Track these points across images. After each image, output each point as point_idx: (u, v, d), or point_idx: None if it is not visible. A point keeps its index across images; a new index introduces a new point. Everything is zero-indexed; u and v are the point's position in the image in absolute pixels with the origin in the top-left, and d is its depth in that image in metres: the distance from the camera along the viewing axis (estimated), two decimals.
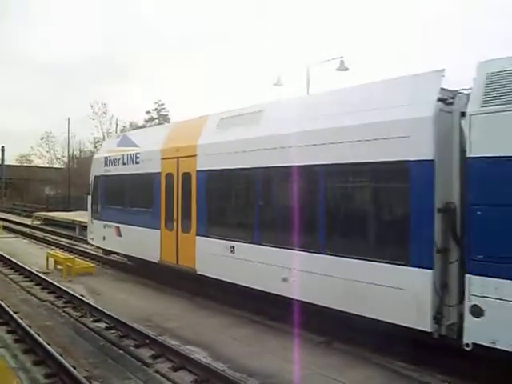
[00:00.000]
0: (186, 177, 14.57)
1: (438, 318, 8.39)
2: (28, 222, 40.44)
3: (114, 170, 18.76)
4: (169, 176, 15.40)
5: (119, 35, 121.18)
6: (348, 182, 10.77)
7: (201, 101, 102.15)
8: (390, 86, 9.99)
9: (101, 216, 19.71)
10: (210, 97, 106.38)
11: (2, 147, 75.29)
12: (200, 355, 9.63)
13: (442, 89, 8.84)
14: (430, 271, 8.44)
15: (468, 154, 7.96)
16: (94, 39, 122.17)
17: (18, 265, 19.52)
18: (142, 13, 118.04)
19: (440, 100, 8.69)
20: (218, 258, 13.04)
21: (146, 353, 9.91)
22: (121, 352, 10.06)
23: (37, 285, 16.58)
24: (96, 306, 13.12)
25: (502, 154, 7.54)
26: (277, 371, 8.91)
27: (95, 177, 20.29)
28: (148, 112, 74.48)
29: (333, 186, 10.65)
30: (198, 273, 13.91)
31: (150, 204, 16.32)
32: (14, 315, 12.02)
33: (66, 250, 23.47)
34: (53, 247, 24.77)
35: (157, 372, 9.01)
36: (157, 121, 71.55)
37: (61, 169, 71.89)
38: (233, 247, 12.65)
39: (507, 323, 7.44)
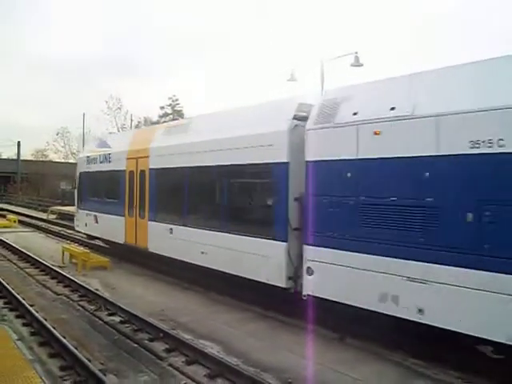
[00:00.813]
0: (142, 174, 17.86)
1: (291, 277, 11.34)
2: (43, 216, 40.77)
3: (93, 168, 22.21)
4: (131, 173, 18.69)
5: (133, 32, 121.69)
6: (237, 179, 13.55)
7: (215, 96, 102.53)
8: (268, 106, 13.31)
9: (83, 206, 23.13)
10: (225, 92, 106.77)
11: (18, 142, 75.88)
12: (213, 349, 9.68)
13: (301, 109, 11.71)
14: (285, 243, 11.43)
15: (306, 158, 10.82)
16: (108, 36, 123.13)
17: (33, 258, 19.74)
18: (155, 9, 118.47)
19: (295, 118, 11.61)
20: (162, 238, 16.29)
21: (159, 346, 9.98)
22: (135, 345, 10.14)
23: (52, 278, 16.75)
24: (111, 299, 13.25)
25: (323, 158, 10.50)
26: (290, 366, 8.93)
27: (80, 173, 23.79)
28: (162, 107, 74.65)
29: (228, 182, 13.75)
30: (150, 250, 17.14)
31: (118, 196, 19.57)
32: (30, 308, 12.14)
33: (80, 245, 23.65)
34: (68, 241, 24.94)
35: (170, 365, 9.07)
36: (171, 116, 71.70)
37: (76, 164, 72.14)
38: (171, 229, 15.80)
39: (328, 279, 10.34)
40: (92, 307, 13.02)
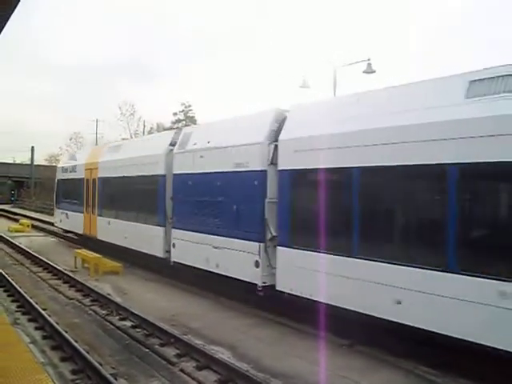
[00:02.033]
0: (94, 181, 23.79)
1: (167, 251, 16.82)
2: None
3: (65, 176, 28.33)
4: (87, 180, 24.72)
5: (146, 38, 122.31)
6: (140, 185, 19.21)
7: (228, 102, 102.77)
8: (159, 136, 20.51)
9: (59, 206, 29.48)
10: (238, 98, 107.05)
11: (32, 147, 76.44)
12: (224, 355, 9.73)
13: (174, 139, 17.44)
14: (163, 228, 17.23)
15: (172, 172, 16.68)
16: (121, 42, 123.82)
17: (46, 263, 19.91)
18: (167, 15, 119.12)
19: (170, 144, 17.37)
20: (105, 228, 22.15)
21: (170, 352, 10.05)
22: (146, 350, 10.22)
23: (65, 283, 16.90)
24: (122, 304, 13.34)
25: (180, 172, 16.18)
26: (299, 373, 8.96)
27: (57, 180, 30.06)
28: (175, 114, 74.96)
29: (135, 187, 19.61)
30: (98, 238, 22.86)
31: (80, 198, 25.46)
32: (43, 312, 12.28)
33: (92, 250, 23.76)
34: (80, 246, 25.15)
35: (181, 371, 9.13)
36: (184, 122, 72.04)
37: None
38: (109, 222, 21.73)
39: (182, 250, 15.92)
40: (104, 312, 13.12)
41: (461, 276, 8.26)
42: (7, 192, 79.09)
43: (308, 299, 11.09)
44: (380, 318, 9.52)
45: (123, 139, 55.56)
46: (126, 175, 20.16)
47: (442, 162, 8.68)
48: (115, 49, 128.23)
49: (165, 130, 58.91)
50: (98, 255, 19.23)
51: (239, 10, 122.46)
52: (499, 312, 7.67)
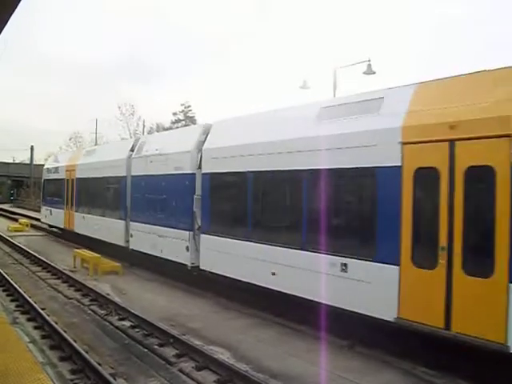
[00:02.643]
0: (73, 181, 26.85)
1: (126, 240, 19.92)
2: None
3: (50, 176, 31.63)
4: (67, 180, 27.73)
5: (146, 37, 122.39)
6: (108, 184, 22.34)
7: (227, 102, 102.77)
8: (123, 143, 24.55)
9: (44, 203, 32.92)
10: (237, 98, 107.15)
11: (31, 146, 76.42)
12: (223, 355, 9.71)
13: (133, 145, 20.57)
14: (124, 221, 20.19)
15: (132, 173, 19.70)
16: (121, 41, 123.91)
17: (45, 262, 19.91)
18: (168, 16, 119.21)
19: (131, 150, 20.27)
20: (80, 222, 25.28)
21: (169, 352, 10.03)
22: (145, 350, 10.20)
23: (64, 282, 16.90)
24: (121, 304, 13.33)
25: (136, 174, 19.32)
26: (299, 373, 8.95)
27: (43, 180, 33.41)
28: (175, 114, 75.04)
29: (104, 187, 22.60)
30: (75, 231, 26.04)
31: (61, 196, 28.51)
32: (42, 312, 12.27)
33: (91, 249, 23.75)
34: (79, 246, 25.11)
35: (180, 371, 9.12)
36: (183, 122, 72.06)
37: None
38: (83, 217, 24.94)
39: (137, 240, 18.91)
40: (103, 312, 13.10)
41: (310, 253, 11.12)
42: (6, 191, 79.14)
43: (222, 275, 14.06)
44: (263, 287, 12.45)
45: (122, 139, 55.60)
46: (97, 176, 23.41)
47: (299, 169, 11.57)
48: (115, 49, 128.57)
49: (164, 129, 59.03)
50: (97, 255, 19.22)
51: (240, 11, 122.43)
52: (338, 279, 10.36)
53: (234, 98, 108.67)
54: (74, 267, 19.45)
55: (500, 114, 8.09)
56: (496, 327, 7.84)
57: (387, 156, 9.56)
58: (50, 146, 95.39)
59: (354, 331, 10.38)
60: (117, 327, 11.78)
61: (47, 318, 11.73)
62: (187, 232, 15.60)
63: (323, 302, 10.63)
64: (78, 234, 25.53)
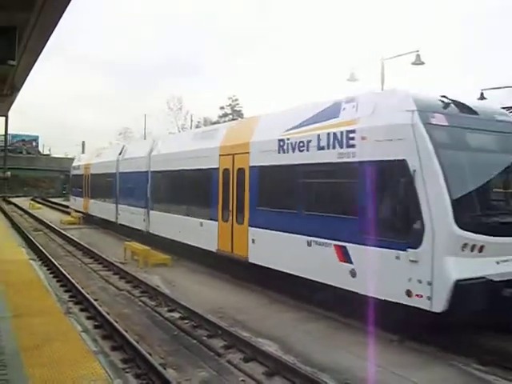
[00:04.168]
0: (88, 176, 34.63)
1: (117, 217, 27.32)
2: None
3: (75, 172, 39.89)
4: (85, 176, 35.44)
5: (194, 33, 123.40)
6: (106, 178, 29.31)
7: (274, 95, 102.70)
8: (115, 147, 34.26)
9: (72, 194, 41.64)
10: (284, 91, 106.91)
11: (83, 142, 78.21)
12: (271, 348, 9.72)
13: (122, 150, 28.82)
14: (115, 204, 27.61)
15: (119, 171, 27.63)
16: (169, 38, 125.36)
17: (97, 254, 20.35)
18: (215, 10, 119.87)
19: (119, 154, 28.15)
20: (92, 207, 33.28)
21: (218, 343, 10.11)
22: (194, 341, 10.31)
23: (114, 274, 17.24)
24: (171, 296, 13.51)
25: (122, 171, 27.22)
26: (348, 367, 8.88)
27: (71, 175, 42.15)
28: (222, 108, 75.41)
29: (106, 180, 29.30)
30: (89, 213, 34.21)
31: (82, 187, 36.15)
32: (94, 302, 12.55)
33: (142, 242, 24.14)
34: (129, 239, 25.58)
35: (228, 362, 9.17)
36: (230, 116, 72.38)
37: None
38: (94, 202, 32.77)
39: (122, 216, 27.02)
40: (153, 303, 13.31)
41: (190, 218, 18.55)
42: (59, 186, 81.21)
43: (161, 236, 21.05)
44: (180, 242, 19.11)
45: (170, 133, 56.24)
46: (102, 172, 30.98)
47: (201, 168, 17.90)
48: (163, 47, 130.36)
49: (212, 124, 59.42)
50: (147, 247, 19.51)
51: (288, 3, 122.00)
52: (199, 230, 17.62)
53: (281, 91, 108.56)
54: (125, 259, 19.81)
55: (245, 141, 15.27)
56: (245, 250, 14.82)
57: (213, 162, 16.87)
58: (101, 142, 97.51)
59: (404, 326, 10.26)
60: (166, 318, 11.95)
61: (99, 308, 12.00)
62: (144, 209, 23.26)
63: (194, 244, 18.08)
64: (91, 215, 33.49)
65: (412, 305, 9.52)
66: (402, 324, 10.16)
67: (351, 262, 10.93)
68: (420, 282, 9.38)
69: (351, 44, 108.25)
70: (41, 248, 21.21)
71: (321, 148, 11.97)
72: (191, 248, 18.19)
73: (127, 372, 8.55)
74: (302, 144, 12.58)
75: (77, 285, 14.44)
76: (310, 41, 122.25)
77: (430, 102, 10.56)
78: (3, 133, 70.39)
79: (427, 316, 9.31)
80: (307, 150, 12.38)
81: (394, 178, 10.04)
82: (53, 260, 18.41)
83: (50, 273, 16.74)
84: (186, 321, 11.69)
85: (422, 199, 9.46)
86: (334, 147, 11.56)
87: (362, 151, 10.78)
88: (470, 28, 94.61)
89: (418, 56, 25.14)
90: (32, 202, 54.61)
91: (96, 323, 11.29)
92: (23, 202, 57.02)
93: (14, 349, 7.66)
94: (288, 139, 13.08)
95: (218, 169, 16.47)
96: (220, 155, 16.50)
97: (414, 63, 25.35)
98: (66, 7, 8.15)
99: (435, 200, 9.32)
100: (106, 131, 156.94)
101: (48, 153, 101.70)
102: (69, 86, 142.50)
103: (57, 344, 7.93)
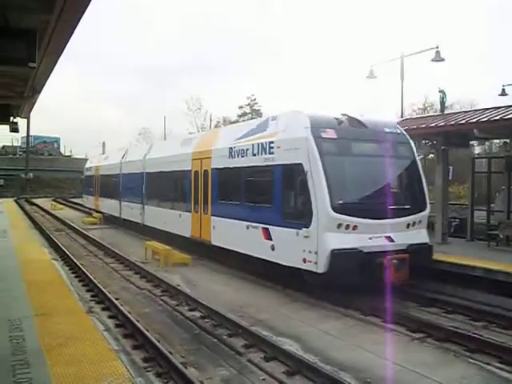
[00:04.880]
0: (98, 177, 38.30)
1: (120, 213, 31.29)
2: None
3: (87, 173, 43.47)
4: (95, 176, 38.98)
5: (212, 33, 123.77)
6: (113, 179, 33.38)
7: (293, 94, 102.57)
8: (117, 153, 36.47)
9: (85, 193, 44.30)
10: (303, 88, 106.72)
11: (103, 143, 78.79)
12: (292, 347, 9.74)
13: (124, 154, 32.75)
14: (118, 201, 31.67)
15: (122, 172, 31.42)
16: (186, 37, 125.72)
17: (118, 254, 20.52)
18: (232, 9, 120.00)
19: (122, 157, 32.18)
20: (101, 204, 36.67)
21: (238, 342, 10.15)
22: (215, 340, 10.37)
23: (135, 273, 17.37)
24: (191, 295, 13.57)
25: (124, 172, 31.18)
26: (368, 366, 8.87)
27: (85, 175, 44.51)
28: (241, 107, 75.41)
29: (111, 180, 33.98)
30: (100, 210, 37.09)
31: (92, 187, 39.55)
32: (115, 301, 12.67)
33: (162, 241, 24.28)
34: (149, 238, 25.75)
35: (249, 361, 9.21)
36: (249, 116, 72.43)
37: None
38: (102, 200, 36.38)
39: (124, 212, 31.08)
40: (173, 302, 13.40)
41: (170, 210, 22.58)
42: (80, 186, 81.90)
43: (153, 227, 24.83)
44: (166, 231, 22.76)
45: (190, 133, 56.52)
46: (108, 174, 34.90)
47: (180, 169, 21.46)
48: (182, 49, 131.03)
49: (230, 123, 59.59)
50: (167, 247, 19.62)
51: (302, 5, 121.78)
52: (178, 221, 21.44)
53: (300, 89, 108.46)
54: (146, 259, 19.94)
55: (208, 149, 19.01)
56: (209, 235, 18.49)
57: (188, 165, 20.56)
58: (121, 142, 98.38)
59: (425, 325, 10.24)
60: (187, 317, 12.02)
61: (121, 307, 12.10)
62: (140, 205, 26.96)
63: (175, 232, 21.78)
64: (102, 212, 36.43)
65: (306, 268, 13.00)
66: (306, 285, 13.50)
67: (272, 240, 14.55)
68: (310, 251, 12.84)
69: (371, 41, 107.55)
70: (63, 248, 21.45)
71: (254, 154, 15.66)
72: (174, 235, 21.92)
73: (148, 371, 8.63)
74: (242, 151, 16.36)
75: (98, 284, 14.59)
76: (329, 39, 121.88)
77: (324, 120, 14.08)
78: (25, 135, 71.41)
79: (316, 277, 12.72)
80: (246, 156, 16.13)
81: (295, 177, 13.60)
82: (74, 260, 18.62)
83: (72, 272, 16.89)
84: (207, 320, 11.75)
85: (311, 192, 12.91)
86: (261, 154, 15.29)
87: (278, 157, 14.42)
88: (495, 22, 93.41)
89: (437, 52, 24.92)
90: (54, 203, 55.11)
91: (117, 322, 11.39)
92: (45, 202, 57.56)
93: (38, 347, 7.77)
94: (235, 147, 16.85)
95: (190, 170, 20.36)
96: (192, 159, 20.35)
97: (433, 60, 25.16)
98: (86, 8, 8.19)
99: (319, 193, 12.75)
100: (127, 131, 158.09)
101: (69, 154, 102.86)
102: (89, 86, 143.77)
103: (79, 343, 8.03)
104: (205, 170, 19.05)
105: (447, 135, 18.02)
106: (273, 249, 14.47)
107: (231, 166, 17.07)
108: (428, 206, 14.48)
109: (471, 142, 22.08)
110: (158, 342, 9.72)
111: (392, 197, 13.80)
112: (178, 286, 14.99)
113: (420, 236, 13.96)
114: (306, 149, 13.26)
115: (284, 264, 13.91)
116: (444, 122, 17.65)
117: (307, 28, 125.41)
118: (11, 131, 18.41)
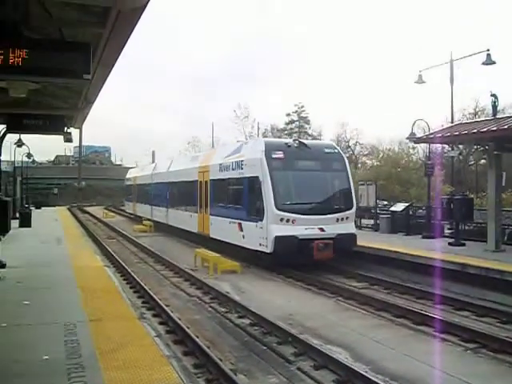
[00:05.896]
0: (135, 186, 45.85)
1: (132, 213, 48.86)
2: None
3: (127, 183, 51.34)
4: (133, 185, 46.76)
5: (259, 42, 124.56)
6: (145, 187, 42.37)
7: (341, 102, 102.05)
8: (148, 167, 48.07)
9: (126, 199, 52.39)
10: (351, 95, 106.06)
11: (153, 152, 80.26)
12: (342, 355, 9.64)
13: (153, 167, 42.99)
14: (150, 206, 39.36)
15: (153, 181, 39.40)
16: (233, 47, 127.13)
17: (168, 261, 20.79)
18: (279, 20, 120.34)
19: (153, 169, 41.22)
20: (139, 209, 44.64)
21: (288, 350, 10.10)
22: (264, 348, 10.35)
23: (185, 281, 17.55)
24: (241, 302, 13.62)
25: (154, 182, 39.48)
26: (420, 376, 8.70)
27: (125, 184, 52.61)
28: (288, 114, 75.31)
29: (143, 189, 43.60)
30: (137, 214, 44.97)
31: (131, 194, 47.16)
32: (166, 308, 12.81)
33: (211, 249, 24.46)
34: (199, 246, 25.99)
35: (299, 369, 9.15)
36: (297, 123, 72.36)
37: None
38: (139, 206, 44.46)
39: (140, 211, 43.99)
40: (223, 309, 13.46)
41: (186, 212, 28.72)
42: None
43: (174, 226, 31.58)
44: (182, 229, 29.50)
45: (238, 141, 56.90)
46: (142, 182, 42.39)
47: (191, 180, 27.44)
48: (227, 57, 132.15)
49: (278, 131, 59.65)
50: (217, 254, 19.76)
51: (354, 7, 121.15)
52: (191, 219, 27.42)
53: (347, 96, 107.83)
54: (195, 266, 20.11)
55: (207, 164, 25.31)
56: (208, 230, 24.15)
57: (196, 176, 26.17)
58: (171, 151, 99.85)
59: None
60: (236, 325, 12.06)
61: (171, 314, 12.23)
62: (165, 208, 33.28)
63: (188, 229, 27.79)
64: (140, 216, 42.06)
65: (262, 250, 18.47)
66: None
67: (243, 231, 20.07)
68: (263, 238, 18.26)
69: (420, 45, 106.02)
70: (114, 255, 21.89)
71: (233, 169, 21.32)
72: (187, 232, 28.20)
73: (199, 377, 8.70)
74: (227, 166, 22.03)
75: (149, 291, 14.80)
76: (376, 42, 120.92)
77: (276, 145, 20.18)
78: (77, 145, 73.22)
79: (268, 256, 18.36)
80: (228, 170, 21.84)
81: (254, 186, 19.02)
82: (126, 266, 18.97)
83: (124, 279, 17.21)
84: (256, 327, 11.75)
85: (264, 197, 18.40)
86: (236, 169, 20.98)
87: (245, 171, 20.03)
88: None
89: (488, 55, 24.37)
90: (105, 211, 56.35)
91: (168, 328, 11.52)
92: (97, 210, 58.92)
93: (92, 352, 7.91)
94: (222, 163, 22.69)
95: (197, 181, 26.14)
96: (198, 172, 26.24)
97: (484, 63, 24.62)
98: (137, 22, 8.41)
99: (267, 197, 18.26)
100: (177, 140, 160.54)
101: (120, 163, 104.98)
102: (139, 95, 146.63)
103: (132, 348, 8.14)
104: (206, 181, 24.78)
105: (500, 140, 17.60)
106: (243, 237, 20.08)
107: (221, 178, 22.69)
108: (354, 205, 19.97)
109: None
110: (208, 348, 9.79)
111: (324, 199, 19.48)
112: (228, 293, 15.05)
113: (347, 227, 18.97)
114: (259, 166, 18.73)
115: (250, 248, 19.47)
116: (496, 127, 17.18)
117: (357, 32, 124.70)
118: (65, 141, 18.83)
